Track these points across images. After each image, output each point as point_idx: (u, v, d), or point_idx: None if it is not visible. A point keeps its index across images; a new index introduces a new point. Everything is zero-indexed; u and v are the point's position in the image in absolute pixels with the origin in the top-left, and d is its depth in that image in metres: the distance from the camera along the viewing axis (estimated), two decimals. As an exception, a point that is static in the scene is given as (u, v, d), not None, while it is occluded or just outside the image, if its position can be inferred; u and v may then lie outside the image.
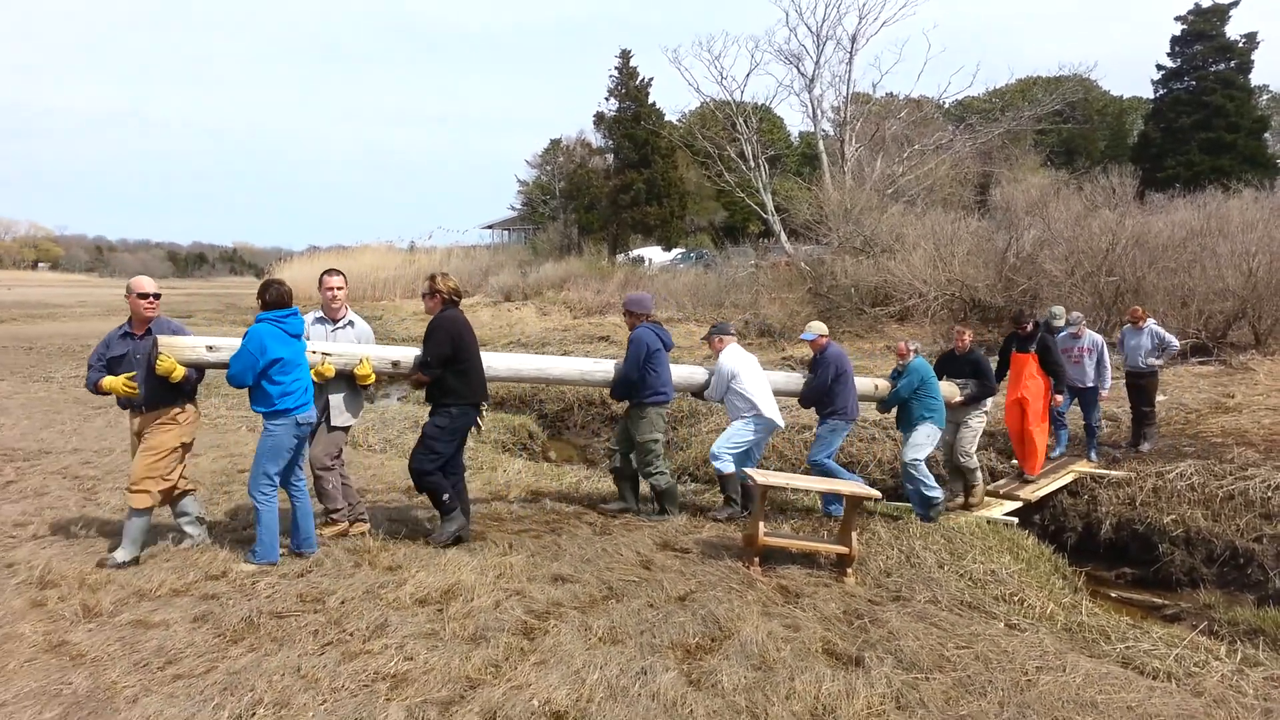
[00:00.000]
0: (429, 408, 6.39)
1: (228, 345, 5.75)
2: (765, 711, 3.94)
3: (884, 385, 8.58)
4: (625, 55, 44.83)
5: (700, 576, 5.76)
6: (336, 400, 6.31)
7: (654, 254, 42.42)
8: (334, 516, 6.40)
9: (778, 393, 8.09)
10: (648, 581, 5.61)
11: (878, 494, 6.52)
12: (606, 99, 45.60)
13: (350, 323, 6.54)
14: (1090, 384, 10.19)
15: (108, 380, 5.53)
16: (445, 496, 6.29)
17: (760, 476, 6.32)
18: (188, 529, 5.96)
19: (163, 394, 5.64)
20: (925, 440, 8.21)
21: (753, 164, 32.06)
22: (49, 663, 4.17)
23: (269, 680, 4.01)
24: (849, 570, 6.02)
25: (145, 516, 5.60)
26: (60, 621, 4.64)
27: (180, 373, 5.58)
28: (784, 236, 30.93)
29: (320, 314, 6.48)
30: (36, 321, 28.32)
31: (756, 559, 6.02)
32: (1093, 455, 10.18)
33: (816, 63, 31.95)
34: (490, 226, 66.39)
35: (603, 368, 7.49)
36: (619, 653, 4.45)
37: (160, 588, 5.15)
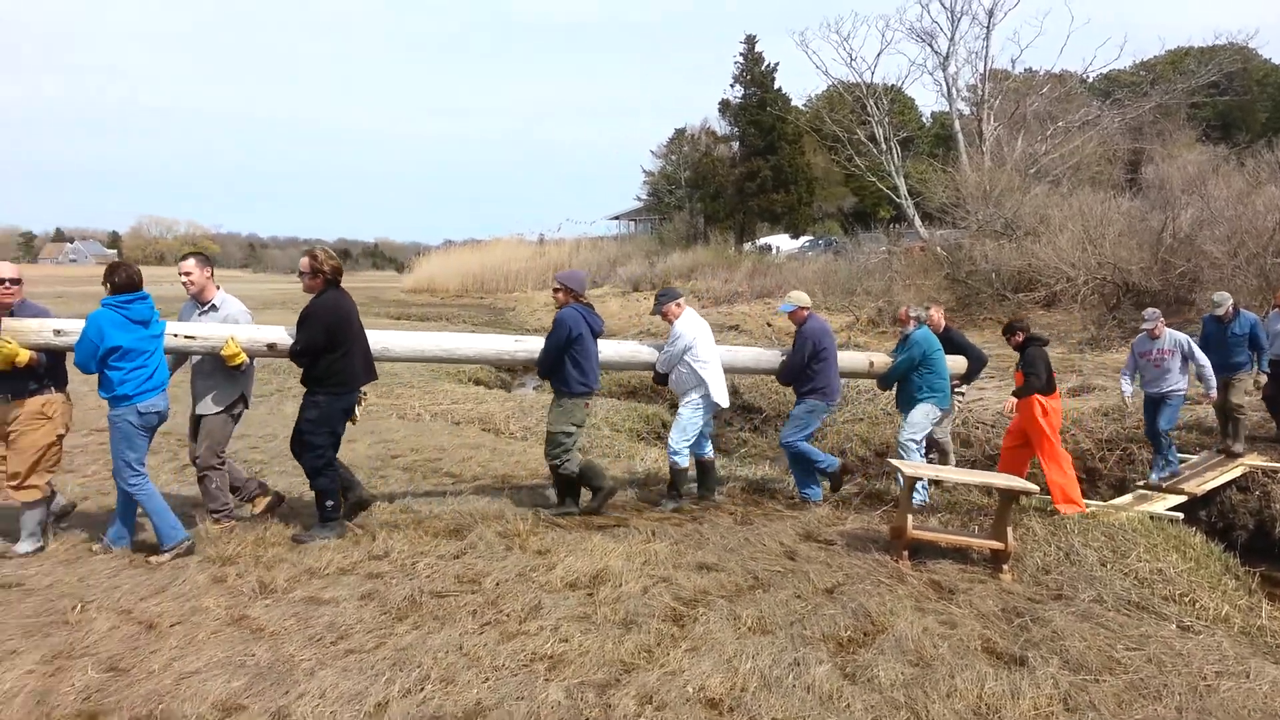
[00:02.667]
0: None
1: (76, 329, 5.50)
2: (925, 709, 3.85)
3: (881, 361, 8.06)
4: (750, 40, 44.41)
5: (847, 569, 5.67)
6: (204, 387, 6.11)
7: (781, 242, 42.01)
8: (216, 516, 6.13)
9: (747, 371, 7.82)
10: (793, 572, 5.57)
11: (1035, 488, 6.26)
12: (731, 85, 45.33)
13: (214, 306, 6.19)
14: (1170, 389, 8.71)
15: None
16: (329, 504, 6.03)
17: (909, 468, 6.17)
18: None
19: (14, 381, 5.42)
20: (923, 419, 7.69)
21: (884, 147, 31.26)
22: (232, 635, 4.45)
23: (434, 657, 4.18)
24: (1005, 567, 5.81)
25: (40, 508, 5.60)
26: (240, 596, 4.95)
27: (25, 356, 5.33)
28: (918, 221, 30.07)
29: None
30: (199, 315, 30.21)
31: (905, 552, 5.89)
32: (1158, 473, 8.78)
33: (951, 39, 30.89)
34: (617, 217, 67.03)
35: (525, 347, 7.00)
36: (770, 643, 4.44)
37: (328, 566, 5.43)
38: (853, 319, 21.86)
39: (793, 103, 43.33)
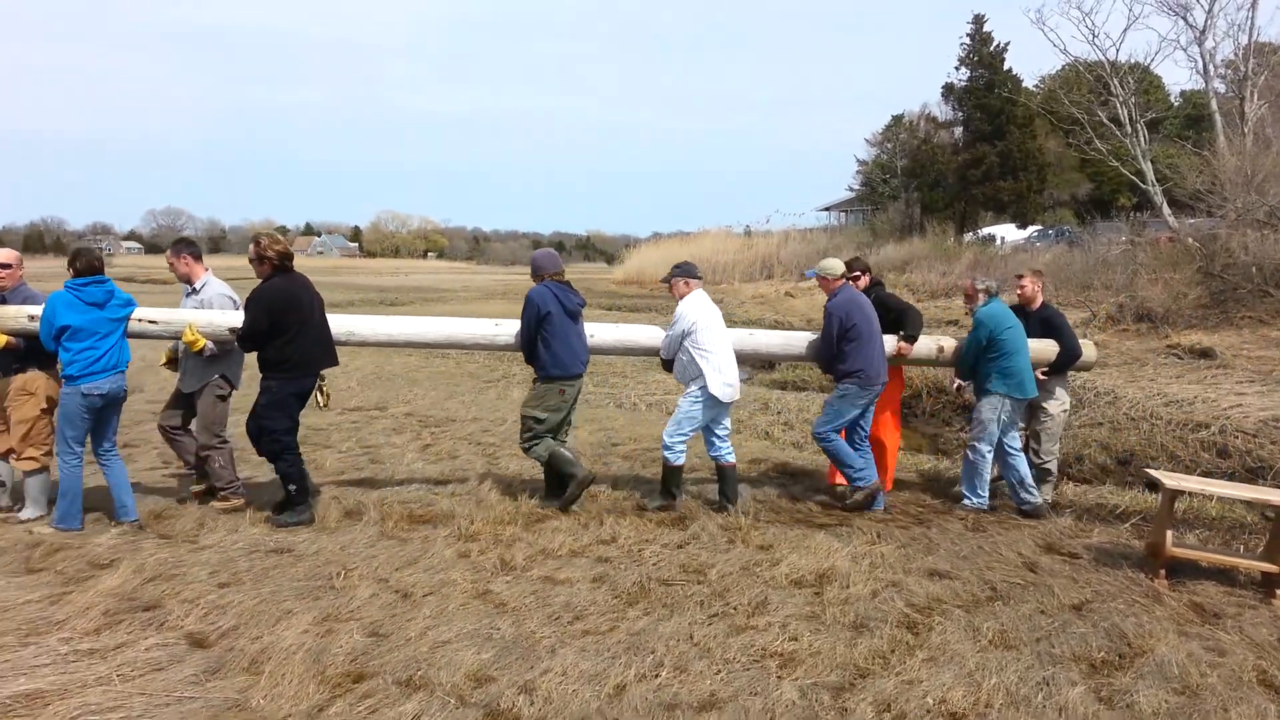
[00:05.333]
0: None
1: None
2: (1196, 744, 3.52)
3: (952, 346, 7.07)
4: (978, 20, 42.34)
5: (1095, 585, 5.28)
6: (185, 366, 6.38)
7: (1007, 232, 39.73)
8: (224, 493, 6.34)
9: (775, 357, 7.21)
10: (1035, 585, 5.25)
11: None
12: (956, 68, 43.49)
13: (194, 290, 6.48)
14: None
15: None
16: (292, 487, 6.06)
17: (1170, 480, 5.66)
18: None
19: (2, 359, 5.92)
20: (989, 417, 6.65)
21: (1128, 129, 28.87)
22: (478, 608, 4.71)
23: (666, 645, 4.25)
24: (1278, 591, 5.23)
25: (40, 475, 5.98)
26: (482, 572, 5.23)
27: (2, 340, 5.78)
28: (1166, 209, 27.59)
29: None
30: (430, 304, 32.31)
31: (1163, 571, 5.41)
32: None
33: (1209, 12, 27.95)
34: (827, 208, 65.84)
35: (506, 331, 6.65)
36: (1014, 659, 4.20)
37: (560, 548, 5.65)
38: (1089, 315, 20.37)
39: (1024, 84, 40.91)
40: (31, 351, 5.90)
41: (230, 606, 4.58)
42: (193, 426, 6.51)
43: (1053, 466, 7.20)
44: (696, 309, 6.54)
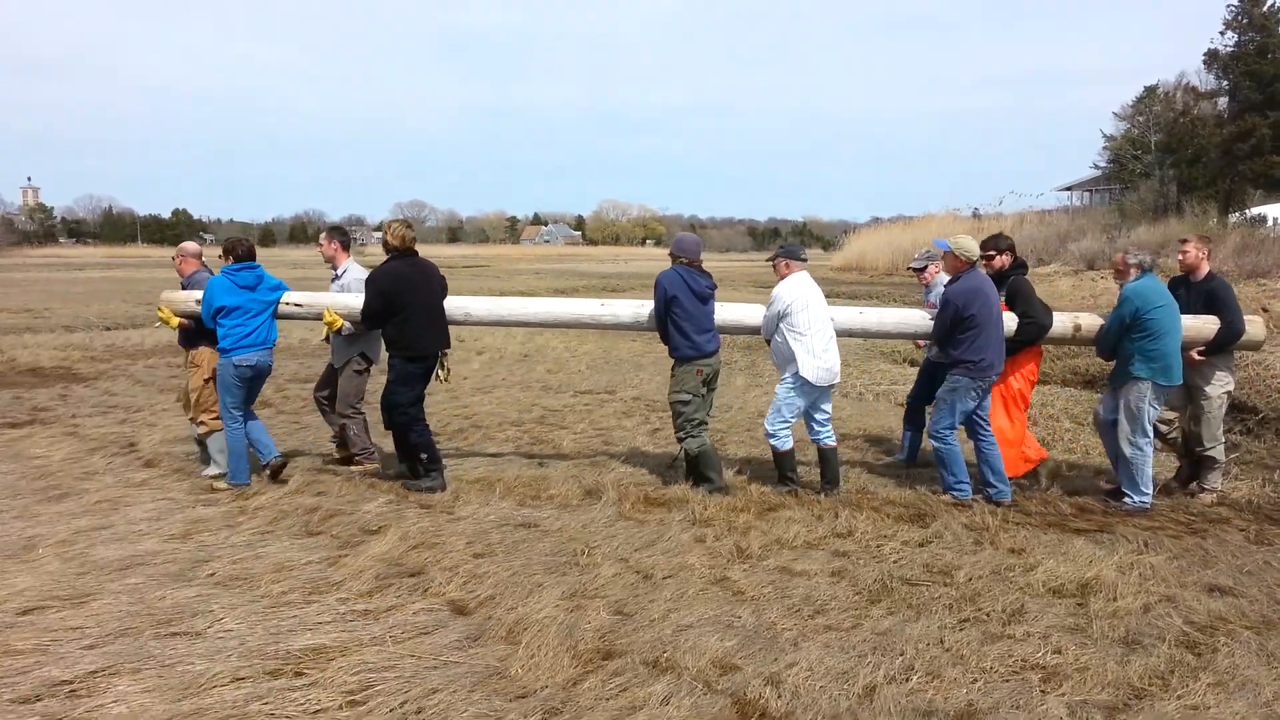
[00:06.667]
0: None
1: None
2: None
3: (1090, 323, 6.64)
4: (1250, -22, 37.98)
5: None
6: (333, 345, 7.02)
7: (1280, 212, 35.52)
8: (358, 458, 6.94)
9: (886, 335, 7.08)
10: (1339, 609, 4.64)
11: None
12: (1221, 33, 39.20)
13: (337, 275, 7.17)
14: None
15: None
16: (424, 456, 6.48)
17: None
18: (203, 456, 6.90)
19: (181, 337, 6.81)
20: (1140, 406, 6.23)
21: None
22: (717, 594, 4.73)
23: (915, 647, 4.09)
24: None
25: (215, 436, 6.60)
26: (718, 558, 5.25)
27: (175, 321, 6.61)
28: None
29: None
30: (648, 290, 32.92)
31: None
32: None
33: None
34: (1068, 188, 61.41)
35: (613, 311, 6.97)
36: (1321, 692, 3.72)
37: (795, 538, 5.58)
38: (1387, 305, 17.83)
39: (1304, 46, 36.38)
40: (201, 331, 6.65)
41: (486, 576, 4.84)
42: (338, 400, 7.14)
43: (1218, 454, 6.59)
44: (794, 290, 6.46)
